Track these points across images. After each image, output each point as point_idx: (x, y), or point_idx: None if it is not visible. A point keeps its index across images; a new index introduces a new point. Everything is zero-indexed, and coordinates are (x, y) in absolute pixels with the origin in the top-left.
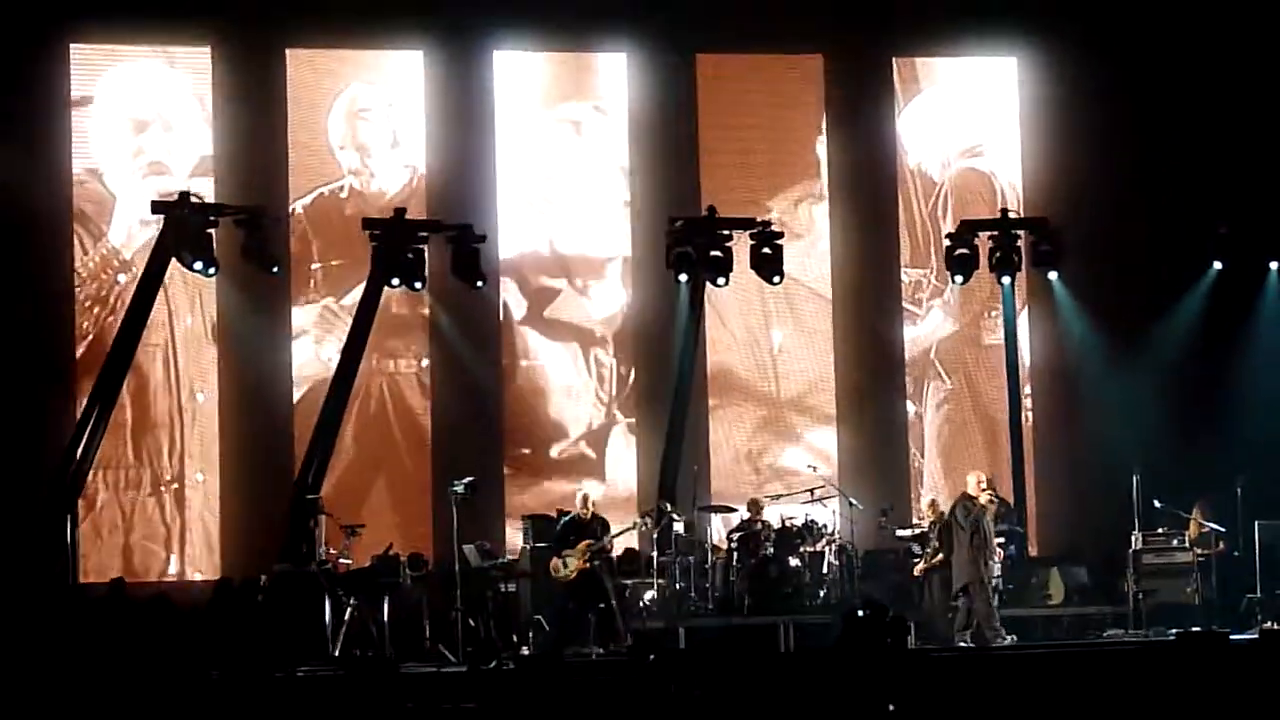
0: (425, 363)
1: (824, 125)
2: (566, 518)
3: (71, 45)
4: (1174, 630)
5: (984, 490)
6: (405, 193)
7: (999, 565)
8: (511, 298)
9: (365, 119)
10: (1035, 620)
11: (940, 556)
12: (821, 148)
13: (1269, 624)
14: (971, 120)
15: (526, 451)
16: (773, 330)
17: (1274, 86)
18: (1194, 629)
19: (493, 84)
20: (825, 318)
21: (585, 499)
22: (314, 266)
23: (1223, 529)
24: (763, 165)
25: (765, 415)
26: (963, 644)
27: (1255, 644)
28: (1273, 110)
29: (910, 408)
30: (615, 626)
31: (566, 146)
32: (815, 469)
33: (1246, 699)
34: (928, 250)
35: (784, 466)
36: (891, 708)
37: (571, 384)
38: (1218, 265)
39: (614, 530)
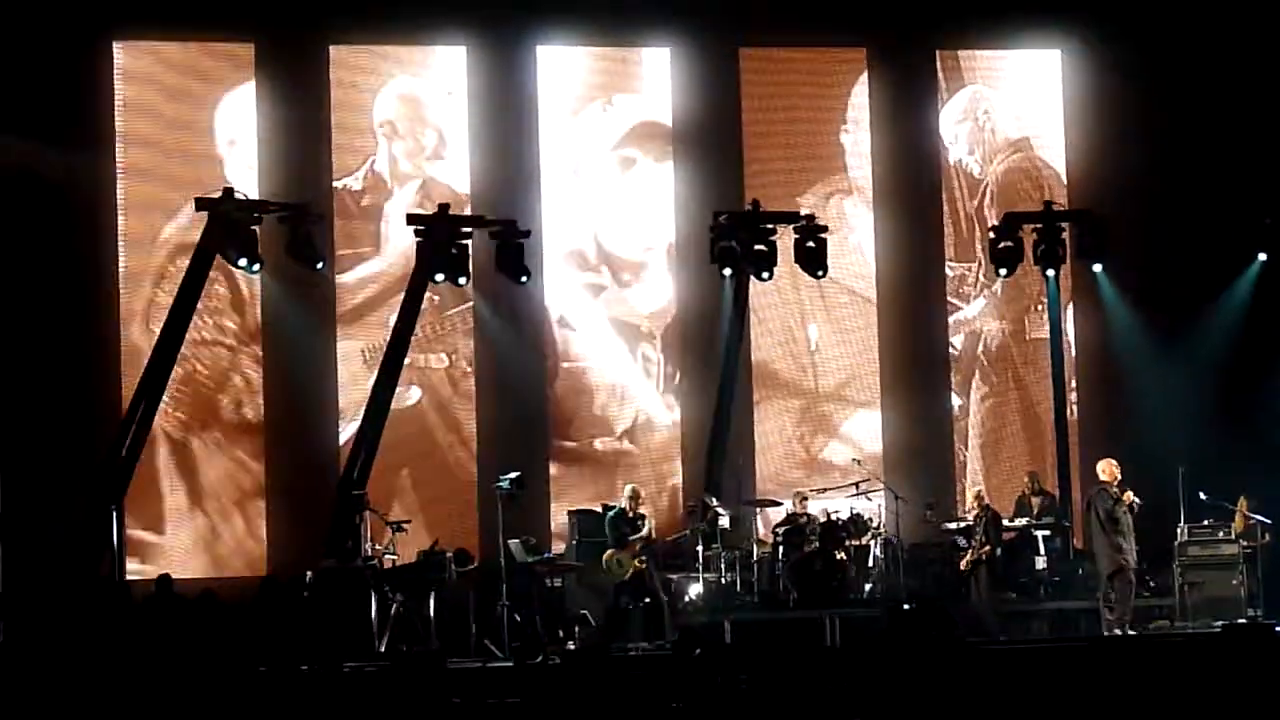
0: (471, 358)
1: (848, 119)
2: (614, 513)
3: (115, 44)
4: (1220, 622)
5: (1118, 479)
6: (417, 199)
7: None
8: (556, 293)
9: (418, 106)
10: (1081, 613)
11: (987, 548)
12: (848, 141)
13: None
14: (1016, 113)
15: (572, 446)
16: (809, 326)
17: None
18: (1240, 621)
19: (536, 79)
20: (858, 311)
21: (635, 493)
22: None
23: (1269, 521)
24: (798, 159)
25: (805, 411)
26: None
27: None
28: None
29: (955, 401)
30: (662, 622)
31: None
32: (860, 462)
33: None
34: (972, 244)
35: (826, 460)
36: None
37: (617, 379)
38: (1262, 256)
39: (653, 532)
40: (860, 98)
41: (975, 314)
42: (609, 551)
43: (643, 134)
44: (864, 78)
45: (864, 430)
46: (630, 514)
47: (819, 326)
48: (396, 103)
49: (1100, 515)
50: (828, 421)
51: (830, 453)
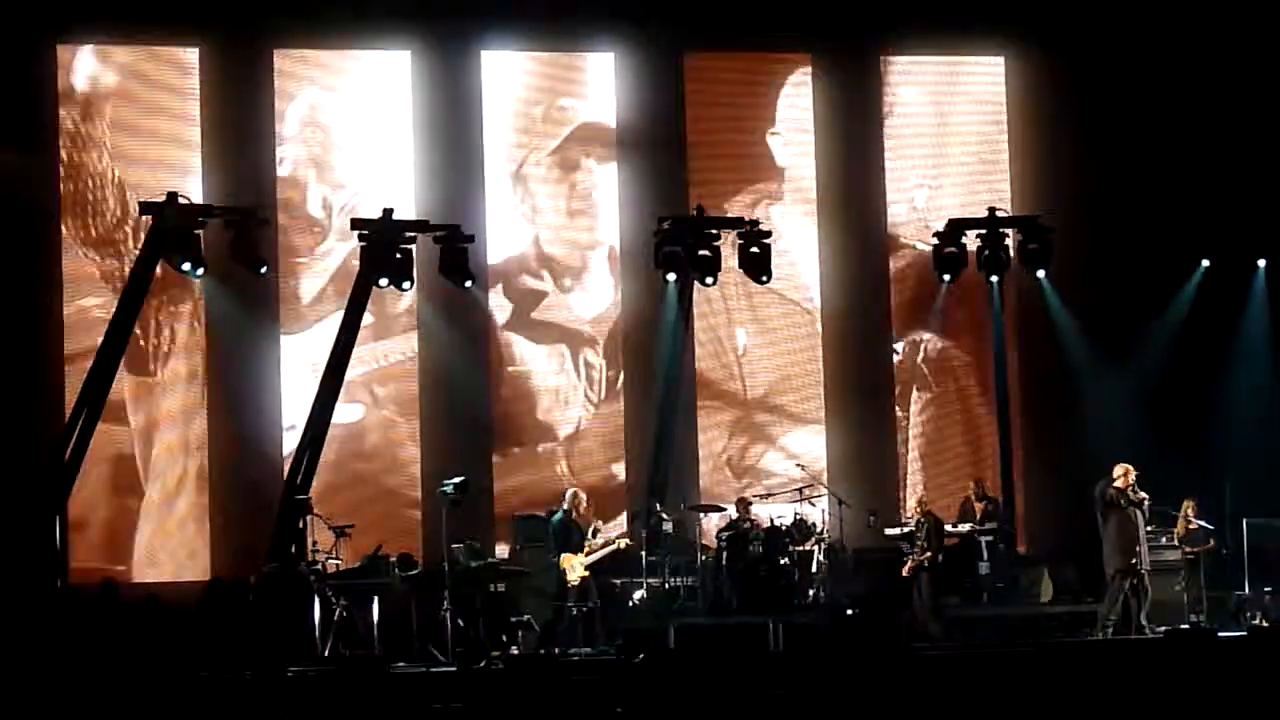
0: (415, 362)
1: (790, 125)
2: (558, 518)
3: (59, 45)
4: (1163, 627)
5: (1132, 483)
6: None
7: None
8: (499, 298)
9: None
10: (1024, 619)
11: (929, 554)
12: (788, 147)
13: (1257, 621)
14: (959, 120)
15: (516, 451)
16: (737, 331)
17: (1259, 84)
18: (1182, 626)
19: (481, 84)
20: (785, 315)
21: (577, 497)
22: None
23: (1211, 526)
24: (740, 165)
25: (736, 417)
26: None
27: (1243, 641)
28: (1258, 108)
29: (899, 413)
30: (595, 628)
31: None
32: (804, 467)
33: (1235, 696)
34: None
35: (759, 467)
36: None
37: (560, 384)
38: (1205, 263)
39: (598, 540)
40: (803, 104)
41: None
42: (565, 555)
43: (585, 138)
44: (807, 84)
45: (805, 438)
46: (575, 519)
47: (747, 332)
48: (300, 126)
49: (1104, 517)
50: (761, 429)
51: (767, 461)
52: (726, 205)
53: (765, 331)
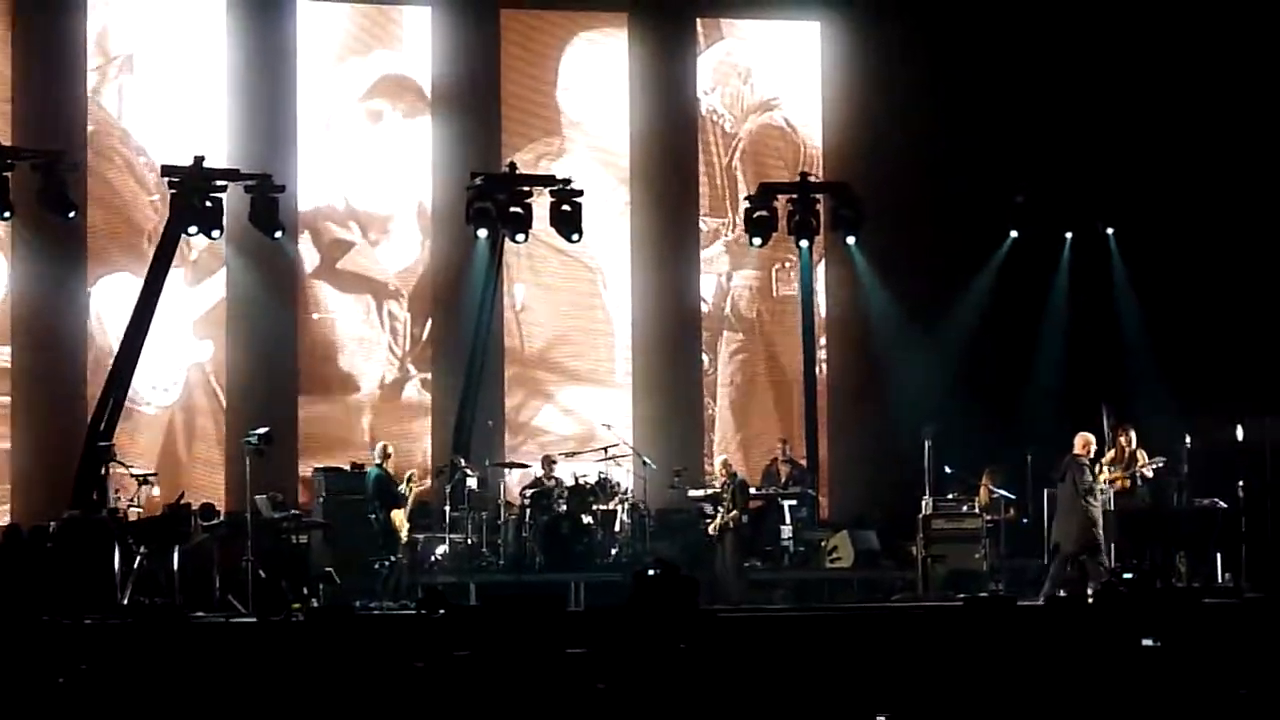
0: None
1: (605, 83)
2: (379, 473)
3: None
4: (962, 595)
5: (1092, 454)
6: None
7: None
8: (307, 249)
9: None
10: (824, 583)
11: (734, 515)
12: (602, 104)
13: (1055, 591)
14: (773, 82)
15: (321, 401)
16: (515, 286)
17: (1071, 58)
18: (981, 594)
19: (296, 33)
20: (570, 274)
21: (386, 449)
22: None
23: (1012, 495)
24: (552, 123)
25: (514, 373)
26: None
27: (1041, 610)
28: (1069, 81)
29: (705, 361)
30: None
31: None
32: (610, 426)
33: (1032, 663)
34: (724, 200)
35: (537, 426)
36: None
37: (364, 336)
38: (1014, 234)
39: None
40: (619, 62)
41: (714, 256)
42: (398, 513)
43: (393, 89)
44: (624, 42)
45: (603, 396)
46: (391, 472)
47: (526, 289)
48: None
49: (1077, 487)
50: (542, 386)
51: (541, 417)
52: (520, 158)
53: (545, 289)
